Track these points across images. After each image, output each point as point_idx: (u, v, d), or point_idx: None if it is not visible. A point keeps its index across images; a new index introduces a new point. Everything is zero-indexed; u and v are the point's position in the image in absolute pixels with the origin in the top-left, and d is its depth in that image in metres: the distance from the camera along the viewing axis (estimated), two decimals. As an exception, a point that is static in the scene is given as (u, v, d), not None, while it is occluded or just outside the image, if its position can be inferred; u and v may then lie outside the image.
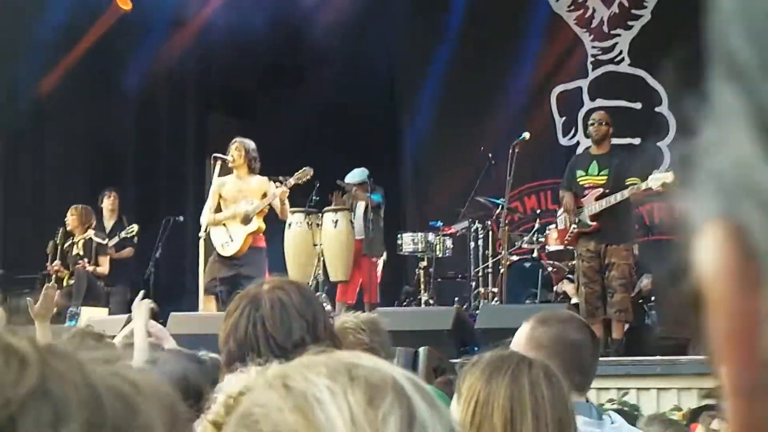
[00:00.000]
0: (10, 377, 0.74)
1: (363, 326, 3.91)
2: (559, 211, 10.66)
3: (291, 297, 2.96)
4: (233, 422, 1.05)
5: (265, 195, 10.80)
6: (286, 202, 10.90)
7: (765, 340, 0.49)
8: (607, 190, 10.00)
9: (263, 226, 10.85)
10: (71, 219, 12.51)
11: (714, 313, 0.50)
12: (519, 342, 3.44)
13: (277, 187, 10.82)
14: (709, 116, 0.58)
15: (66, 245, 12.58)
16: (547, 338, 3.42)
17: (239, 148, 10.76)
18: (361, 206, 12.12)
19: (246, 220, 10.70)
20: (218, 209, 10.88)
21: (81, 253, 12.40)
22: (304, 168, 11.05)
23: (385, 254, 12.15)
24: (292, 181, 10.94)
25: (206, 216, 10.83)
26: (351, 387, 1.01)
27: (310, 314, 2.96)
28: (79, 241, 12.45)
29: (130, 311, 11.65)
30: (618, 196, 9.86)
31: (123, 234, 12.66)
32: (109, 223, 13.03)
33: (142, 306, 5.51)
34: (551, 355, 3.06)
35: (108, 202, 13.04)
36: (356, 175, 12.20)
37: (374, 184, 12.19)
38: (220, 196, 10.86)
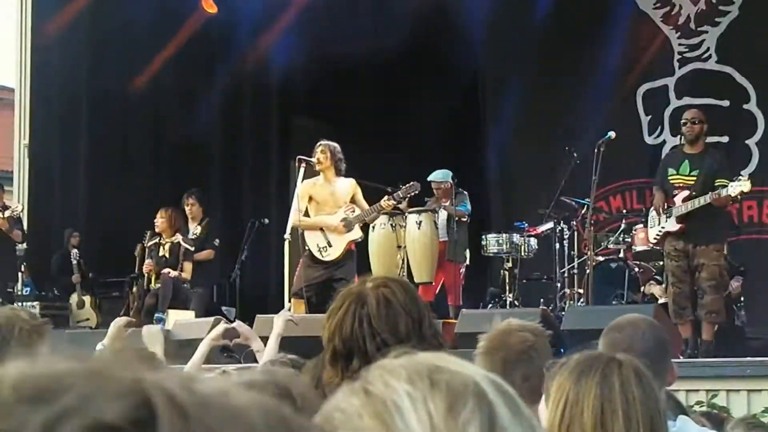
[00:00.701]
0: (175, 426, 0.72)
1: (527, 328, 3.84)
2: (651, 210, 10.47)
3: (396, 294, 2.92)
4: None
5: (354, 197, 10.84)
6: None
7: None
8: (694, 192, 9.80)
9: (362, 235, 10.95)
10: (160, 222, 12.54)
11: None
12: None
13: (386, 198, 10.90)
14: None
15: (151, 244, 12.64)
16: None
17: (325, 150, 10.78)
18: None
19: (348, 226, 10.75)
20: (306, 211, 10.90)
21: (167, 255, 12.47)
22: (412, 183, 11.10)
23: (468, 259, 12.06)
24: (401, 194, 10.99)
25: (295, 218, 10.85)
26: (431, 393, 1.00)
27: (416, 312, 2.92)
28: (166, 243, 12.52)
29: (211, 313, 11.83)
30: (701, 200, 9.67)
31: (190, 236, 12.71)
32: (189, 226, 13.03)
33: (281, 316, 6.15)
34: None
35: (187, 210, 13.02)
36: (439, 175, 12.16)
37: (458, 188, 12.12)
38: (311, 199, 10.88)
